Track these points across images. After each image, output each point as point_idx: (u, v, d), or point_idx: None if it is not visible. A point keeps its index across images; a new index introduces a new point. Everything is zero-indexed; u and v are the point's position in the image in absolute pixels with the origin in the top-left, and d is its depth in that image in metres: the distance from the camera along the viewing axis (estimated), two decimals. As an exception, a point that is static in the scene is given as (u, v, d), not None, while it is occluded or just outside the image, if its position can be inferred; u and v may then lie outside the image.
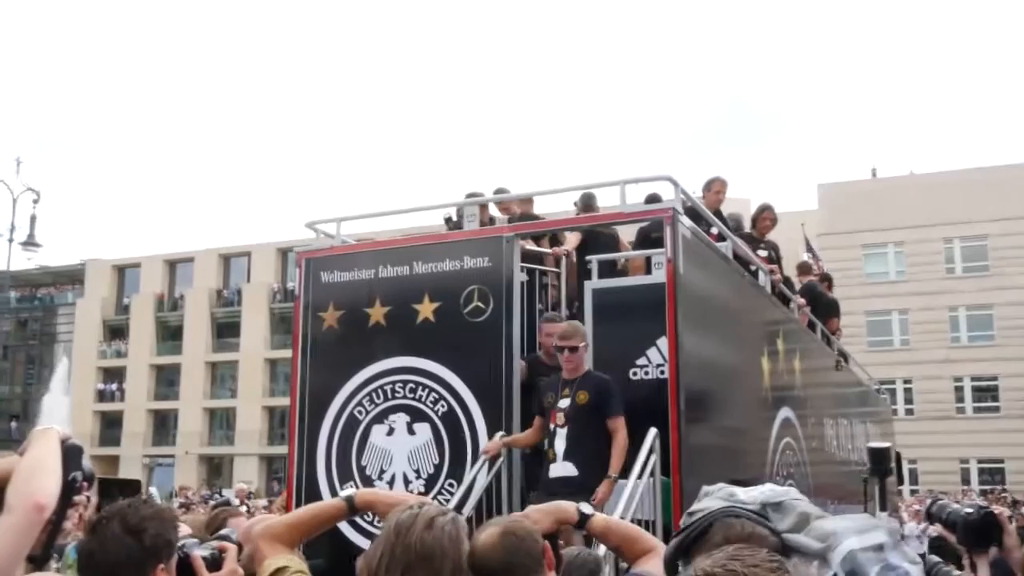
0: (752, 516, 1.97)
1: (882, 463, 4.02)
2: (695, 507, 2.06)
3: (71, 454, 2.18)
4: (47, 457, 2.13)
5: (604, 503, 5.43)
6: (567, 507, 2.87)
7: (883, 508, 3.92)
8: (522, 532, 2.58)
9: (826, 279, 13.69)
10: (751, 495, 2.03)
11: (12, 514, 2.03)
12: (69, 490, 2.15)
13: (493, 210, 8.36)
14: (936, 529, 3.04)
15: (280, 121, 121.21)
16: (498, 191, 8.54)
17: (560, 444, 5.98)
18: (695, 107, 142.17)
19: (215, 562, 2.45)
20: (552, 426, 6.05)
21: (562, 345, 6.06)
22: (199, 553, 2.43)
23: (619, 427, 5.89)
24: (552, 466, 5.99)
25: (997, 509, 2.80)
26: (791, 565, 1.86)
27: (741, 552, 1.56)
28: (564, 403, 6.01)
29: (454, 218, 7.96)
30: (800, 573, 1.85)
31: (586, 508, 2.84)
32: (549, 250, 7.76)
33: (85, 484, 2.22)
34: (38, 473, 2.09)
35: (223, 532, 2.71)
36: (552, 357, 6.36)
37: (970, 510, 2.78)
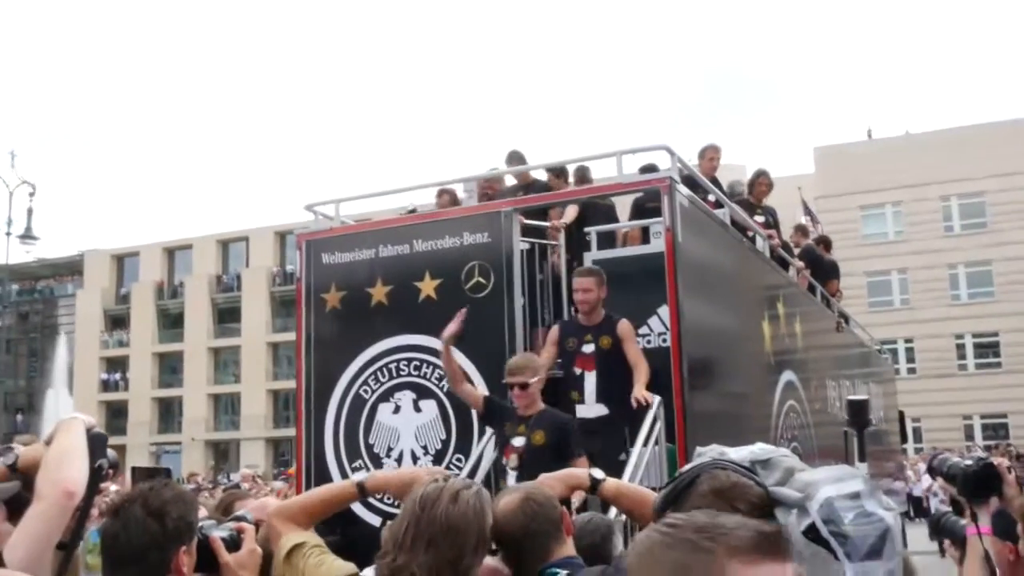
0: (739, 469, 2.02)
1: (860, 415, 4.10)
2: (687, 466, 2.12)
3: (96, 442, 2.23)
4: (74, 446, 2.18)
5: None
6: (579, 473, 2.92)
7: (862, 460, 4.00)
8: (541, 498, 2.63)
9: (823, 241, 13.71)
10: (741, 453, 2.09)
11: (42, 501, 2.08)
12: (96, 477, 2.20)
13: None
14: (939, 483, 3.09)
15: (274, 104, 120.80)
16: (512, 155, 8.55)
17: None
18: (688, 76, 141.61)
19: (234, 542, 2.49)
20: (504, 462, 5.57)
21: (511, 382, 5.51)
22: (218, 534, 2.47)
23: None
24: (578, 407, 6.08)
25: (996, 460, 2.85)
26: (778, 514, 1.92)
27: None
28: (518, 441, 5.50)
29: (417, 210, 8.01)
30: (782, 522, 1.90)
31: (598, 473, 2.89)
32: (547, 223, 7.78)
33: (111, 471, 2.27)
34: (66, 461, 2.14)
35: (239, 513, 2.75)
36: (587, 315, 6.22)
37: (969, 462, 2.83)
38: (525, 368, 5.49)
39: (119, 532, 2.21)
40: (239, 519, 2.62)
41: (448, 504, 2.35)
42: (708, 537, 1.30)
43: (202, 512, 2.73)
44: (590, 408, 6.07)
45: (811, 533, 1.84)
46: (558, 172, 8.22)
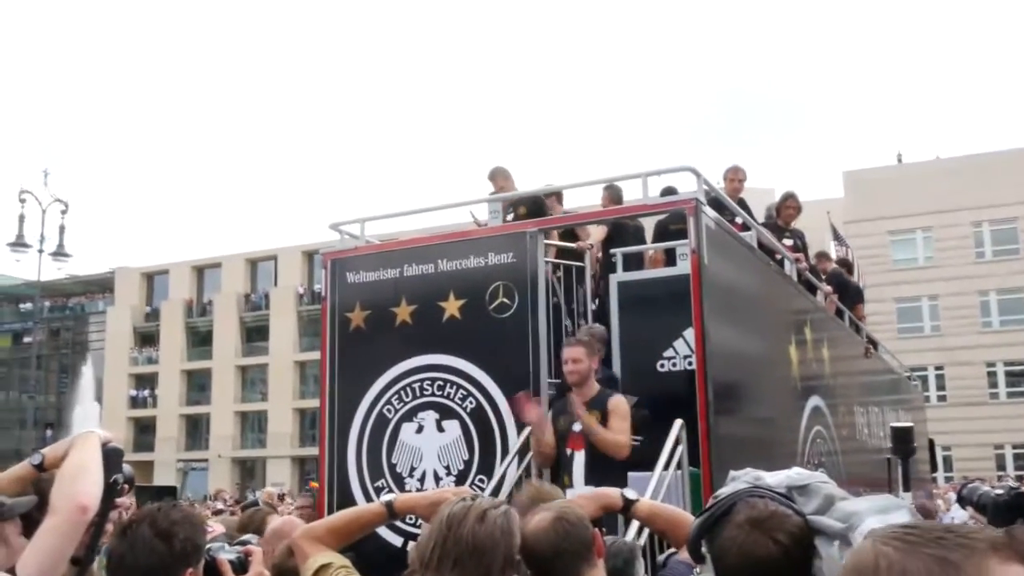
0: (776, 497, 1.97)
1: (905, 443, 4.00)
2: (722, 491, 2.07)
3: (112, 457, 2.22)
4: (89, 460, 2.17)
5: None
6: (611, 492, 2.87)
7: (906, 488, 3.90)
8: (574, 518, 2.58)
9: (845, 264, 13.54)
10: (777, 478, 2.03)
11: (56, 515, 2.07)
12: (111, 492, 2.19)
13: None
14: (969, 512, 3.02)
15: (302, 125, 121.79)
16: (495, 171, 8.56)
17: (578, 469, 5.79)
18: (715, 97, 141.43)
19: (242, 565, 2.47)
20: (568, 452, 5.76)
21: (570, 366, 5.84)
22: (226, 557, 2.45)
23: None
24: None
25: (1025, 489, 2.77)
26: (818, 544, 1.86)
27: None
28: (579, 427, 5.69)
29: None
30: (824, 554, 1.85)
31: (631, 493, 2.84)
32: (574, 244, 7.76)
33: (126, 487, 2.26)
34: (81, 475, 2.13)
35: (245, 537, 2.74)
36: (579, 388, 5.85)
37: (1000, 491, 2.77)
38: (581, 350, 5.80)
39: (126, 552, 2.20)
40: (244, 543, 2.61)
41: (475, 523, 2.31)
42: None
43: (219, 528, 2.71)
44: (579, 492, 5.90)
45: None
46: (554, 194, 8.20)
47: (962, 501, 3.01)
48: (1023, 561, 1.21)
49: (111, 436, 2.27)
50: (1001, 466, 37.77)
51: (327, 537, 2.65)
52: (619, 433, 5.52)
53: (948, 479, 32.01)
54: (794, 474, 2.03)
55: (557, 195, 8.19)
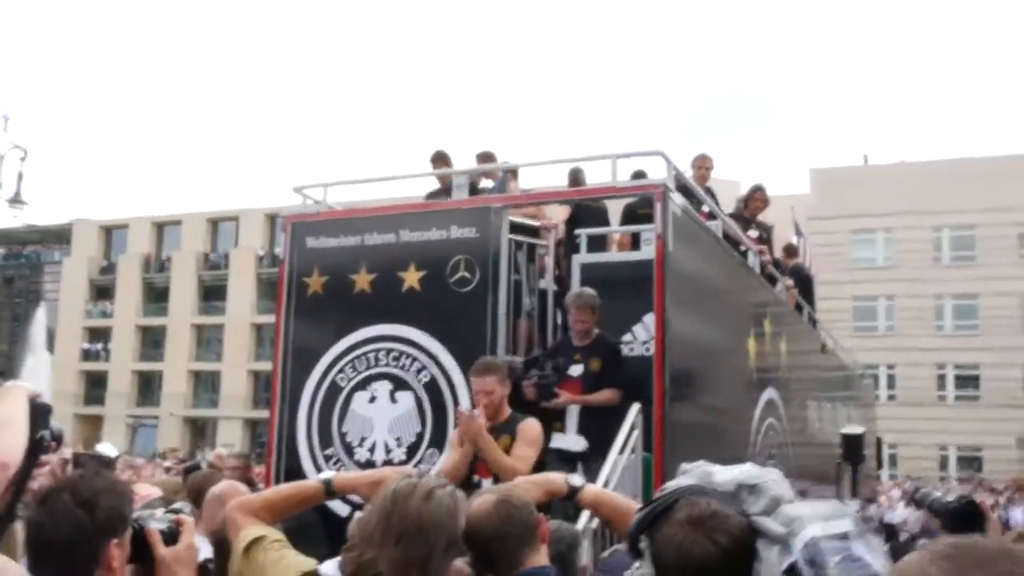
0: (721, 495, 1.94)
1: (856, 450, 4.00)
2: (669, 484, 2.03)
3: (39, 413, 2.11)
4: (13, 414, 2.06)
5: None
6: (556, 478, 2.83)
7: (854, 494, 3.90)
8: (518, 501, 2.54)
9: (788, 250, 13.11)
10: (729, 475, 2.00)
11: None
12: (36, 449, 2.09)
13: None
14: (921, 514, 3.03)
15: (273, 86, 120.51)
16: (483, 155, 8.43)
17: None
18: (688, 91, 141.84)
19: (172, 536, 2.37)
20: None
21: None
22: (155, 526, 2.35)
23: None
24: (557, 436, 5.97)
25: (979, 498, 2.79)
26: (760, 546, 1.83)
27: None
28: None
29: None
30: (763, 556, 1.82)
31: (576, 480, 2.80)
32: (538, 222, 7.70)
33: (53, 444, 2.16)
34: (2, 430, 2.03)
35: (176, 506, 2.65)
36: (491, 418, 5.35)
37: (952, 499, 2.78)
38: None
39: (45, 522, 2.09)
40: (177, 511, 2.52)
41: (421, 501, 2.27)
42: (1014, 561, 1.18)
43: (155, 494, 2.63)
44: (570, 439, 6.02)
45: (792, 573, 1.75)
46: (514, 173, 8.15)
47: (916, 504, 3.02)
48: None
49: (40, 391, 2.16)
50: (944, 467, 38.50)
51: (262, 512, 2.58)
52: (519, 460, 5.04)
53: (892, 477, 32.50)
54: (745, 471, 1.99)
55: (513, 173, 8.12)
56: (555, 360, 6.17)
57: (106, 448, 8.97)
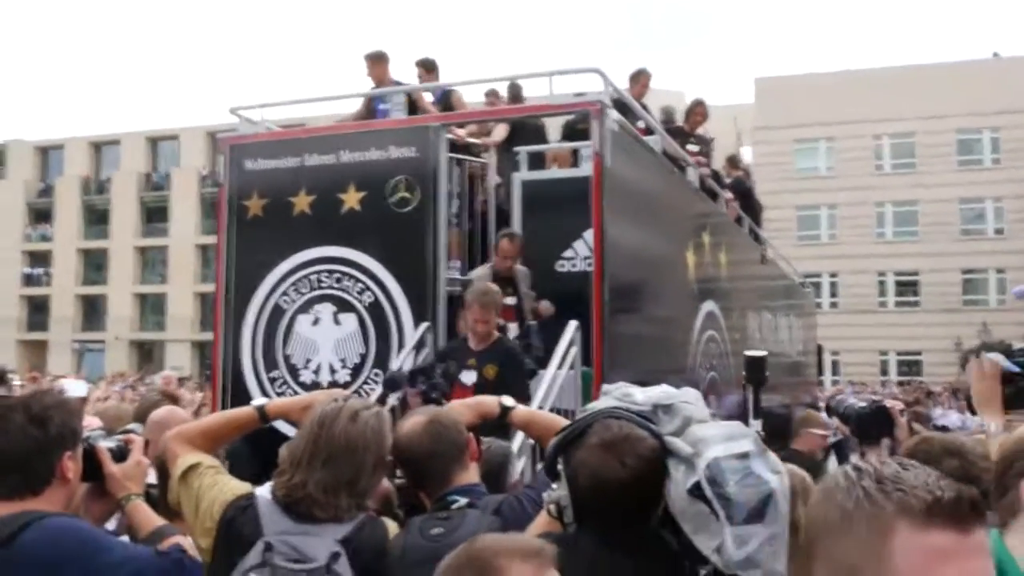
0: (633, 418, 2.02)
1: (757, 372, 4.14)
2: (589, 405, 2.11)
3: None
4: None
5: None
6: (488, 400, 2.90)
7: (756, 416, 4.05)
8: (447, 421, 2.62)
9: (730, 161, 13.11)
10: (647, 395, 2.08)
11: None
12: None
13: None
14: (835, 422, 3.16)
15: (211, 3, 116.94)
16: (423, 62, 8.33)
17: None
18: (628, 5, 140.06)
19: (121, 454, 2.47)
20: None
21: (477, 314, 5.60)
22: (105, 444, 2.45)
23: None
24: None
25: (890, 403, 2.92)
26: (670, 464, 1.92)
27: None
28: (469, 377, 5.49)
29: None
30: (672, 475, 1.91)
31: (508, 401, 2.88)
32: (478, 140, 7.68)
33: None
34: None
35: (130, 426, 2.72)
36: (479, 339, 5.63)
37: (863, 404, 2.89)
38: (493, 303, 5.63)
39: (0, 439, 2.17)
40: (128, 431, 2.59)
41: (347, 423, 2.34)
42: (884, 491, 1.24)
43: (95, 423, 2.66)
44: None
45: (696, 491, 1.85)
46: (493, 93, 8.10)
47: (830, 411, 3.15)
48: (946, 527, 1.20)
49: None
50: (885, 372, 39.54)
51: (199, 439, 2.64)
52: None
53: (835, 383, 33.36)
54: (661, 392, 2.08)
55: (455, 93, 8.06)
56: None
57: (75, 387, 8.88)
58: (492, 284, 5.88)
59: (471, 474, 2.61)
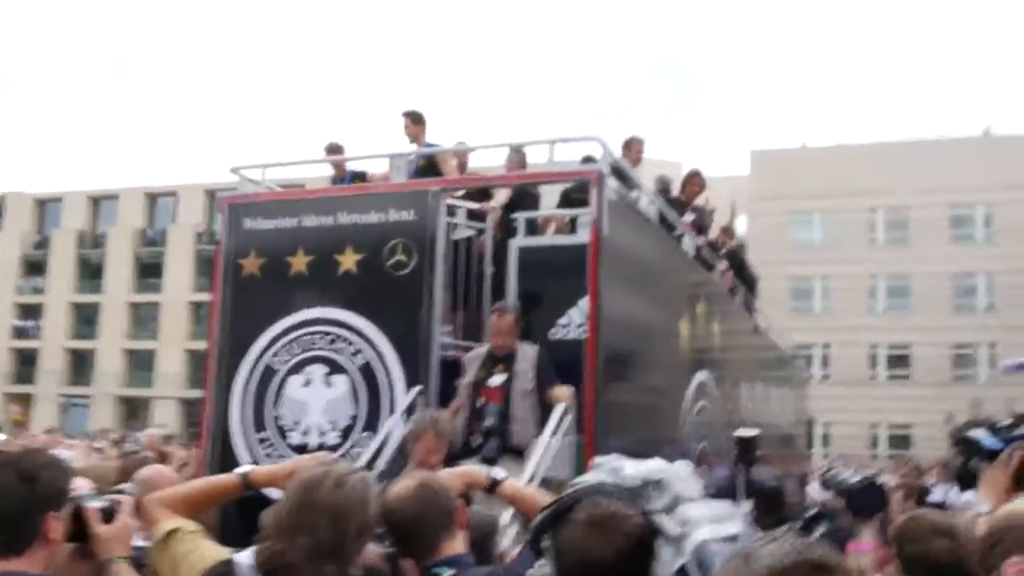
0: (622, 495, 1.99)
1: (749, 451, 4.12)
2: (578, 479, 2.09)
3: None
4: None
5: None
6: (477, 472, 2.87)
7: (748, 495, 4.02)
8: (437, 487, 2.58)
9: (726, 231, 13.03)
10: (638, 469, 2.05)
11: None
12: None
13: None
14: (831, 496, 3.14)
15: (213, 61, 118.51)
16: (411, 113, 8.42)
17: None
18: (628, 71, 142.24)
19: (109, 514, 2.44)
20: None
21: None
22: (93, 505, 2.41)
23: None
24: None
25: (882, 478, 2.91)
26: (657, 545, 1.90)
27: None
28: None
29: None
30: (660, 555, 1.88)
31: (499, 473, 2.84)
32: (479, 206, 7.72)
33: None
34: None
35: (122, 486, 2.69)
36: (500, 349, 6.01)
37: (856, 479, 2.87)
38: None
39: None
40: (119, 491, 2.56)
41: (332, 488, 2.29)
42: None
43: (84, 486, 2.63)
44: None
45: (683, 574, 1.82)
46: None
47: (825, 484, 3.14)
48: None
49: None
50: (875, 445, 39.39)
51: (180, 505, 2.59)
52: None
53: (825, 455, 33.19)
54: (652, 467, 2.06)
55: (458, 156, 8.14)
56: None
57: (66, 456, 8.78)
58: (442, 414, 5.55)
59: (458, 543, 2.57)
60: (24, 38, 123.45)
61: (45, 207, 58.63)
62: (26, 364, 55.16)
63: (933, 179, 39.70)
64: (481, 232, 7.38)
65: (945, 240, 40.67)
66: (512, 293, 7.02)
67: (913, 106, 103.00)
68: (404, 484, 2.58)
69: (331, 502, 2.26)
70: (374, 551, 2.54)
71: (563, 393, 5.76)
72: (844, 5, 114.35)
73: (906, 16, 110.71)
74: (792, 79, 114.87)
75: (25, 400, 51.86)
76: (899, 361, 40.98)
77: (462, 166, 8.52)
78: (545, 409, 5.77)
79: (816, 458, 25.76)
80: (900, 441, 39.33)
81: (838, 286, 41.69)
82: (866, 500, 2.83)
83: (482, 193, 7.79)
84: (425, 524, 2.51)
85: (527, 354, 6.04)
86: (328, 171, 9.91)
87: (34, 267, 57.38)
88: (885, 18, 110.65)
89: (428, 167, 7.73)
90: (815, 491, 17.60)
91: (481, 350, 6.18)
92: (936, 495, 9.22)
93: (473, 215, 7.31)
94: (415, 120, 8.16)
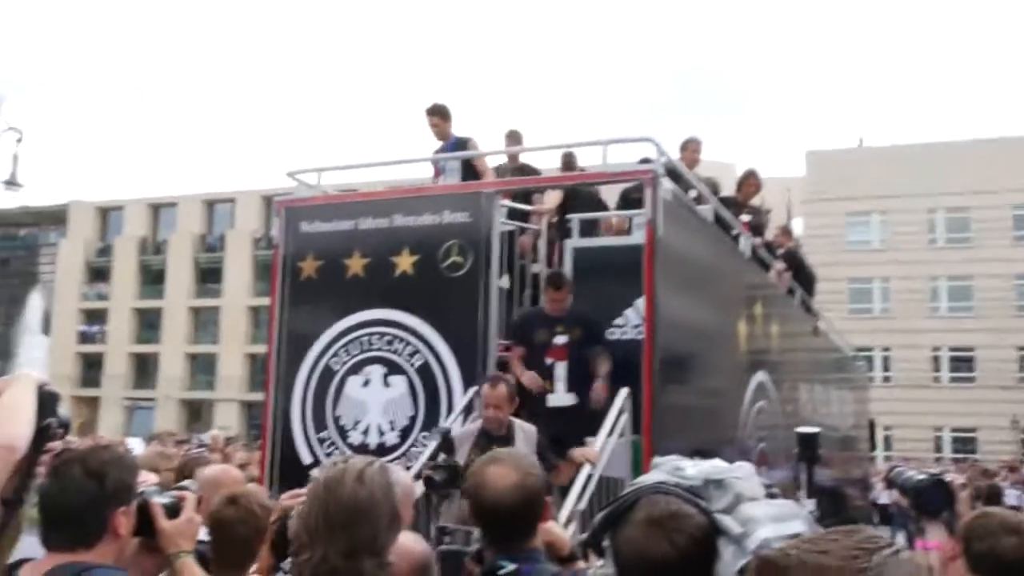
0: (682, 494, 1.96)
1: (811, 449, 4.03)
2: (638, 479, 2.06)
3: (47, 400, 2.19)
4: (21, 401, 2.15)
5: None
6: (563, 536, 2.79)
7: (809, 495, 3.92)
8: (538, 478, 2.55)
9: (784, 231, 12.94)
10: (698, 469, 2.02)
11: None
12: (43, 436, 2.17)
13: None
14: (895, 495, 3.10)
15: (269, 66, 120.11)
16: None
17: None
18: (682, 72, 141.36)
19: (174, 510, 2.48)
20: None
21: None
22: (158, 500, 2.46)
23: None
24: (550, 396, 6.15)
25: (950, 476, 2.85)
26: (720, 544, 1.86)
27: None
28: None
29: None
30: (722, 554, 1.85)
31: (575, 552, 2.70)
32: (531, 207, 7.74)
33: (60, 431, 2.24)
34: (12, 416, 2.11)
35: (184, 483, 2.74)
36: (494, 425, 5.35)
37: (922, 477, 2.83)
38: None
39: (57, 492, 2.21)
40: (182, 488, 2.61)
41: (355, 485, 2.27)
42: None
43: (152, 479, 2.69)
44: (561, 398, 6.16)
45: (745, 573, 1.79)
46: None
47: (890, 484, 3.10)
48: None
49: (48, 379, 2.24)
50: (939, 448, 38.65)
51: None
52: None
53: (888, 459, 32.66)
54: (712, 466, 2.02)
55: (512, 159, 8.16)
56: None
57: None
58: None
59: (539, 539, 2.54)
60: (83, 48, 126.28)
61: (107, 215, 59.81)
62: (92, 368, 56.30)
63: (993, 179, 38.87)
64: (523, 231, 7.41)
65: (1008, 241, 39.80)
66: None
67: (972, 105, 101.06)
68: (504, 473, 2.52)
69: (357, 499, 2.25)
70: (426, 551, 2.53)
71: (589, 453, 5.42)
72: (902, 4, 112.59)
73: (966, 13, 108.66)
74: (847, 79, 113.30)
75: (91, 403, 52.90)
76: (962, 363, 40.15)
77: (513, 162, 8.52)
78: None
79: (878, 461, 25.39)
80: (964, 444, 38.57)
81: (898, 288, 40.97)
82: (932, 498, 2.77)
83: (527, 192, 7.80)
84: (525, 514, 2.47)
85: (528, 435, 5.34)
86: (381, 175, 9.98)
87: (98, 273, 58.56)
88: (944, 16, 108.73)
89: (464, 166, 7.68)
90: (879, 492, 17.39)
91: (472, 427, 5.51)
92: (1011, 499, 8.98)
93: (514, 214, 7.32)
94: (444, 117, 8.11)
